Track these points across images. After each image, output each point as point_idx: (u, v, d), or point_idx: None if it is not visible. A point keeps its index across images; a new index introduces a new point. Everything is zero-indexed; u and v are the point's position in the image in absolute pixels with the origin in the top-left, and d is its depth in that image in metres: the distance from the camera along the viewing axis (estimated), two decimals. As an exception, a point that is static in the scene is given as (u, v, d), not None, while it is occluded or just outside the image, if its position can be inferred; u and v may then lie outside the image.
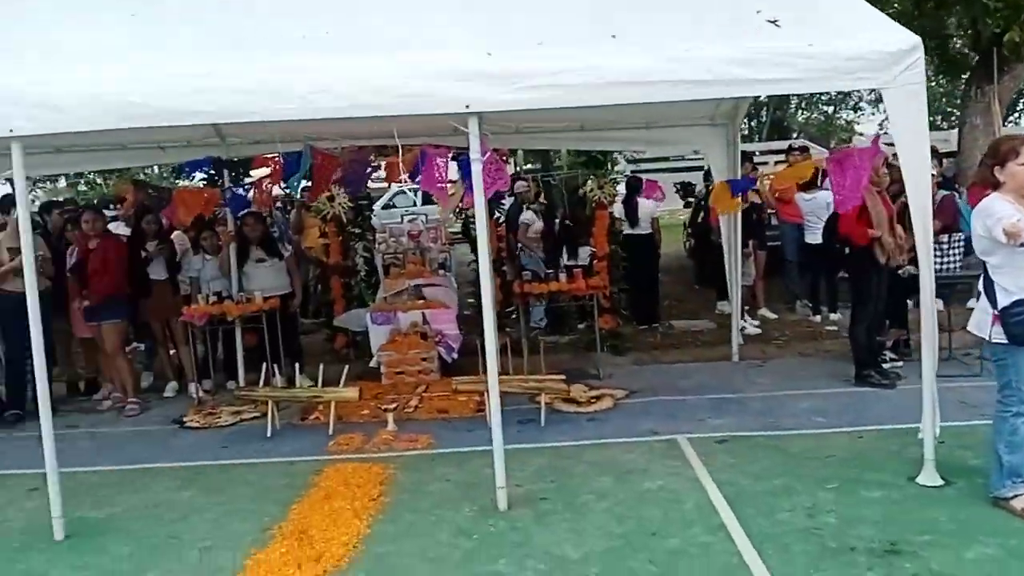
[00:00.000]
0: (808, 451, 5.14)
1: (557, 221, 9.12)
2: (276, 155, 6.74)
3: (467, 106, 4.11)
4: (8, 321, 6.96)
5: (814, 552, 3.80)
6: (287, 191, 8.27)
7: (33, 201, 9.10)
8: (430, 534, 4.24)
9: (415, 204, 18.32)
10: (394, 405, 6.28)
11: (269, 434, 6.09)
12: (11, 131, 4.26)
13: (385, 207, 17.74)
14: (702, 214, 10.57)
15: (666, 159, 18.03)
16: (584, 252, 8.75)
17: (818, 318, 9.20)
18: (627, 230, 9.08)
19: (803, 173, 7.82)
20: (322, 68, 4.15)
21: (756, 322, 9.09)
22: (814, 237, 8.90)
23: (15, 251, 6.81)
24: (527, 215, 9.31)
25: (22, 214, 4.63)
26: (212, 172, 7.71)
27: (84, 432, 6.48)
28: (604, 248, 8.18)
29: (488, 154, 4.35)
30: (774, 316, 9.44)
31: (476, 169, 4.25)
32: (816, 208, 8.89)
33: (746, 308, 8.95)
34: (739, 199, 7.46)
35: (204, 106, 4.07)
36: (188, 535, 4.36)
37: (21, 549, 4.29)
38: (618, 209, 9.05)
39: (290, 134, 6.41)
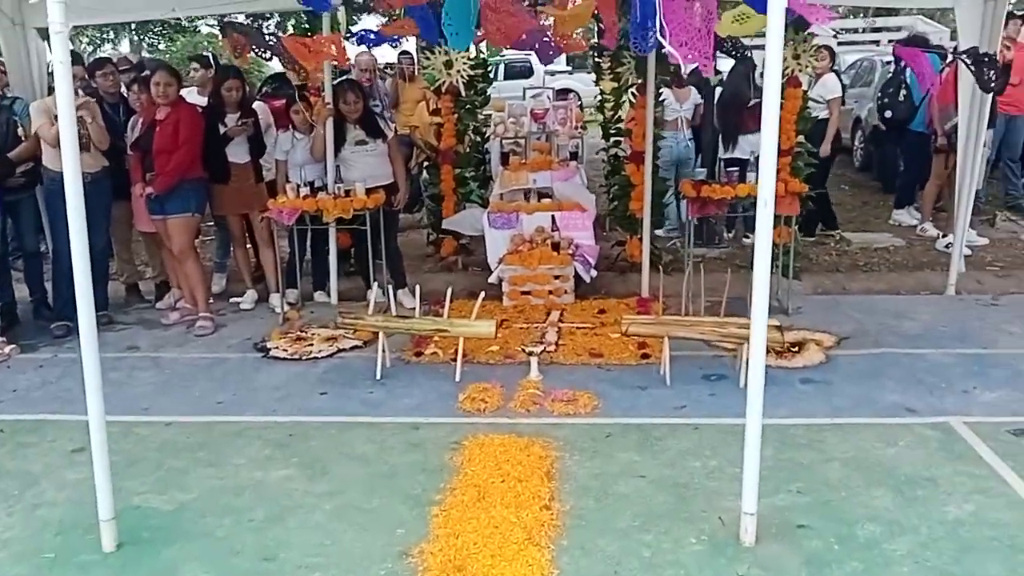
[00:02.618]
0: None
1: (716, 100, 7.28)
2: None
3: None
4: (57, 207, 5.59)
5: None
6: (436, 46, 6.12)
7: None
8: (648, 584, 2.79)
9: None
10: (540, 347, 4.78)
11: (379, 375, 4.68)
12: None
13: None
14: (903, 92, 8.38)
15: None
16: (747, 142, 6.95)
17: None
18: (823, 114, 7.21)
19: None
20: None
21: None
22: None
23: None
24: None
25: (59, 65, 3.00)
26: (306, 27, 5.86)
27: (145, 358, 5.16)
28: (791, 138, 6.31)
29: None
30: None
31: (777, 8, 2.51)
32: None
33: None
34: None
35: None
36: (288, 554, 3.00)
37: (55, 566, 2.98)
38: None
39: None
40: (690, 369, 4.68)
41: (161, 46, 23.20)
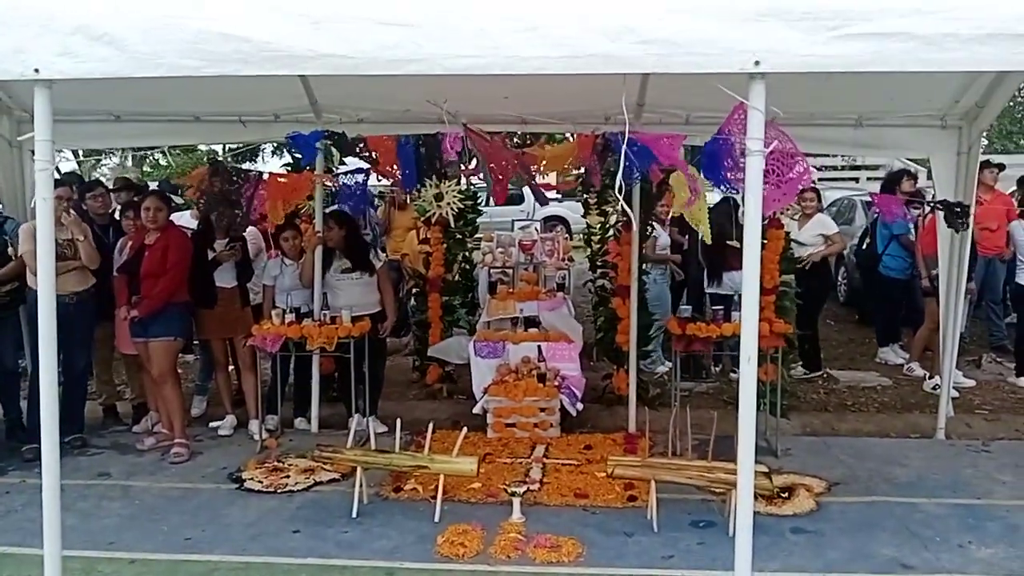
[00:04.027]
0: None
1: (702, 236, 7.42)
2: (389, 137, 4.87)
3: (756, 62, 2.48)
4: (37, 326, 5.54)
5: None
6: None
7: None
8: None
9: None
10: (523, 487, 4.65)
11: (355, 513, 4.52)
12: (36, 72, 2.84)
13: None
14: (867, 240, 8.73)
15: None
16: (731, 279, 7.03)
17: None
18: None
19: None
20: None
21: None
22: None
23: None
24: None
25: (41, 202, 3.18)
26: (298, 156, 6.01)
27: (116, 485, 4.99)
28: (774, 278, 6.40)
29: (776, 143, 2.69)
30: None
31: (756, 166, 2.59)
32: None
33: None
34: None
35: (338, 47, 2.54)
36: None
37: None
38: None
39: (412, 112, 4.78)
40: (678, 514, 4.54)
41: (163, 162, 23.74)
